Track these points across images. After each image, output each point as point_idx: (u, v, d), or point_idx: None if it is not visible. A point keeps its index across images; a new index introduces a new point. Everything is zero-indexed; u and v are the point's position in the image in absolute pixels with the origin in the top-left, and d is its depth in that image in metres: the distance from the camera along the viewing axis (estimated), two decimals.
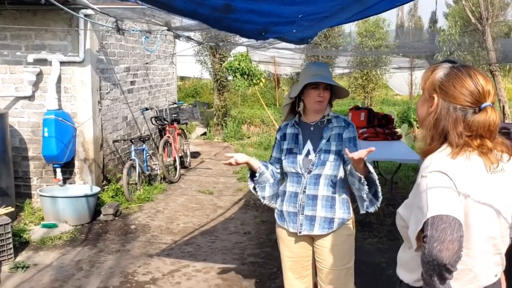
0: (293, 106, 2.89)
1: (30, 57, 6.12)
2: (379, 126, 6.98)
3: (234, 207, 6.60)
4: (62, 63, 6.18)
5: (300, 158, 2.76)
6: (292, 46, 9.02)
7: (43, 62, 6.18)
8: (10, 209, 5.03)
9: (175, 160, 8.15)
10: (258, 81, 11.14)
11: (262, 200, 2.96)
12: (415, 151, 6.05)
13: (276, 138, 2.98)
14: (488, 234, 1.60)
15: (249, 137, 12.37)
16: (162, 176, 7.77)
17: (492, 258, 1.64)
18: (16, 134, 6.31)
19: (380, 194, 2.65)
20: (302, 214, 2.74)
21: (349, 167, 2.64)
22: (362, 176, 2.52)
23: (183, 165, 8.72)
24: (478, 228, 1.57)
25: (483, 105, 1.56)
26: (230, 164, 2.80)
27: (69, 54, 6.20)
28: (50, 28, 6.11)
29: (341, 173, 2.75)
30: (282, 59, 16.10)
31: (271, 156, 3.02)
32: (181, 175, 8.23)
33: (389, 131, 6.94)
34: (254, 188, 2.95)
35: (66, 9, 4.84)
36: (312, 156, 2.74)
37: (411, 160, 5.88)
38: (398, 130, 8.22)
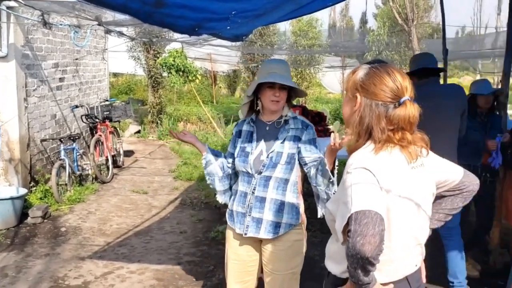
0: (253, 104, 2.79)
1: None
2: (313, 123, 7.10)
3: (169, 206, 6.51)
4: None
5: (251, 157, 2.67)
6: (227, 43, 9.02)
7: None
8: None
9: (107, 159, 7.90)
10: (194, 78, 11.03)
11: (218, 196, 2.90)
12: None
13: (233, 133, 2.88)
14: (409, 227, 1.68)
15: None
16: (94, 176, 7.51)
17: (413, 249, 1.73)
18: None
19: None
20: (249, 215, 2.65)
21: (313, 169, 2.56)
22: (331, 175, 2.47)
23: (116, 164, 8.47)
24: (400, 222, 1.65)
25: (402, 99, 1.65)
26: (176, 136, 2.85)
27: None
28: None
29: (293, 177, 2.66)
30: (218, 56, 16.05)
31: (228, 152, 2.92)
32: (114, 174, 7.98)
33: (322, 128, 7.10)
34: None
35: None
36: (264, 156, 2.65)
37: (343, 156, 6.06)
38: (330, 127, 8.44)
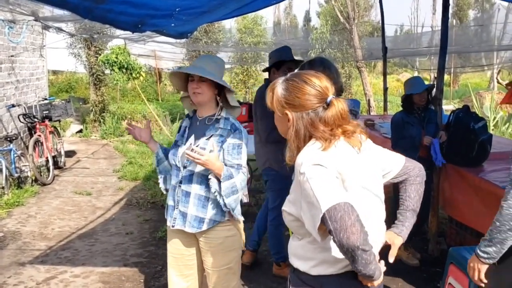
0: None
1: None
2: None
3: (115, 207, 6.34)
4: None
5: (180, 151, 2.70)
6: (172, 40, 8.90)
7: None
8: None
9: (47, 161, 7.59)
10: (137, 75, 10.80)
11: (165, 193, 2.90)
12: None
13: (180, 126, 2.93)
14: (366, 213, 1.71)
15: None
16: (33, 178, 7.19)
17: (375, 234, 1.77)
18: None
19: (232, 211, 2.63)
20: (177, 208, 2.70)
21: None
22: (215, 186, 2.53)
23: (57, 166, 8.15)
24: (358, 208, 1.69)
25: (328, 100, 1.71)
26: (132, 131, 2.87)
27: None
28: None
29: None
30: (163, 53, 15.80)
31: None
32: (55, 176, 7.68)
33: None
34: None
35: None
36: (189, 152, 2.64)
37: None
38: None
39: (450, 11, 4.51)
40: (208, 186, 2.62)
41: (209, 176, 2.57)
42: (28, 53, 8.49)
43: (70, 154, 9.44)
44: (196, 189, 2.65)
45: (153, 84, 18.35)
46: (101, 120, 12.02)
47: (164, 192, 2.93)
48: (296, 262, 1.82)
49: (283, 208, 1.81)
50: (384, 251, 1.89)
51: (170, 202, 2.77)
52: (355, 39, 13.24)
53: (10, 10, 5.84)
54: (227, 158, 2.61)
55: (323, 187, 1.57)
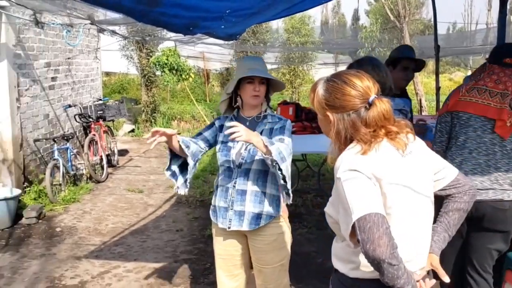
0: (231, 101, 2.83)
1: None
2: (307, 120, 7.15)
3: (165, 204, 6.51)
4: None
5: (233, 152, 2.73)
6: (221, 41, 9.01)
7: None
8: None
9: (101, 159, 7.88)
10: (187, 76, 11.03)
11: (181, 188, 2.75)
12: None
13: (213, 122, 2.89)
14: (412, 213, 1.67)
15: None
16: (88, 175, 7.49)
17: (419, 238, 1.73)
18: None
19: (289, 191, 2.57)
20: (231, 209, 2.71)
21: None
22: (269, 157, 2.44)
23: (110, 164, 8.45)
24: (400, 209, 1.64)
25: (370, 100, 1.66)
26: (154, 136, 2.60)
27: None
28: None
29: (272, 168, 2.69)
30: (211, 54, 16.01)
31: (199, 133, 2.85)
32: (108, 174, 7.97)
33: (316, 125, 7.14)
34: (173, 174, 2.77)
35: None
36: (242, 150, 2.71)
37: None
38: None
39: (508, 7, 4.33)
40: (263, 181, 2.68)
41: (258, 154, 2.58)
42: (83, 55, 8.85)
43: (123, 153, 9.75)
44: (253, 186, 2.68)
45: (201, 85, 18.65)
46: (153, 120, 12.35)
47: (183, 188, 2.75)
48: (337, 263, 1.81)
49: (325, 209, 1.80)
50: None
51: (221, 203, 2.76)
52: (406, 38, 12.94)
53: (67, 15, 6.09)
54: (272, 138, 2.62)
55: (357, 195, 1.55)
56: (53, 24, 5.88)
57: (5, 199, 5.47)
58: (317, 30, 18.39)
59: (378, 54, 14.41)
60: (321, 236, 5.03)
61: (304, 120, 7.06)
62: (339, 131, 1.68)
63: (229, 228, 2.72)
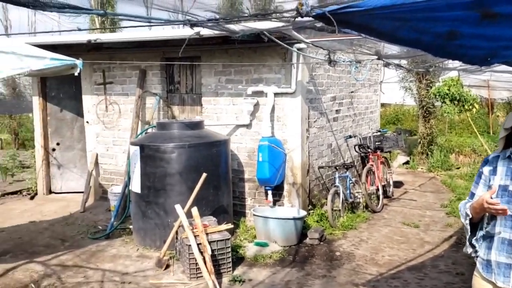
0: (509, 137, 2.54)
1: (250, 90, 6.80)
2: None
3: (443, 244, 6.14)
4: (276, 94, 6.69)
5: None
6: (510, 68, 8.10)
7: (260, 94, 6.79)
8: (230, 225, 5.59)
9: (377, 189, 8.00)
10: (470, 107, 10.27)
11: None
12: None
13: (480, 172, 2.62)
14: None
15: (458, 168, 11.40)
16: (364, 204, 7.70)
17: None
18: (235, 158, 7.03)
19: None
20: None
21: None
22: None
23: (385, 195, 8.49)
24: None
25: None
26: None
27: (282, 86, 6.68)
28: (267, 63, 6.70)
29: None
30: (497, 82, 14.59)
31: (471, 193, 2.67)
32: (384, 205, 8.02)
33: None
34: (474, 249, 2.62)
35: (283, 44, 5.19)
36: None
37: None
38: None
39: None
40: None
41: None
42: (364, 89, 9.25)
43: (397, 184, 9.69)
44: None
45: (483, 115, 17.14)
46: (429, 153, 11.92)
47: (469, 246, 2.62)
48: None
49: None
50: None
51: (501, 259, 2.44)
52: None
53: (353, 51, 6.48)
54: None
55: None
56: (343, 61, 6.33)
57: (294, 219, 6.10)
58: None
59: None
60: None
61: None
62: None
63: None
